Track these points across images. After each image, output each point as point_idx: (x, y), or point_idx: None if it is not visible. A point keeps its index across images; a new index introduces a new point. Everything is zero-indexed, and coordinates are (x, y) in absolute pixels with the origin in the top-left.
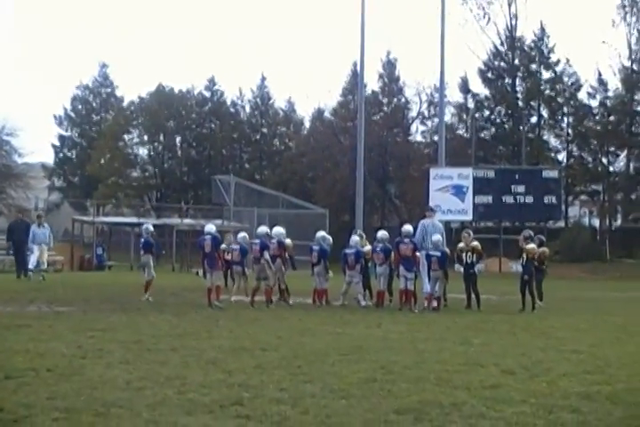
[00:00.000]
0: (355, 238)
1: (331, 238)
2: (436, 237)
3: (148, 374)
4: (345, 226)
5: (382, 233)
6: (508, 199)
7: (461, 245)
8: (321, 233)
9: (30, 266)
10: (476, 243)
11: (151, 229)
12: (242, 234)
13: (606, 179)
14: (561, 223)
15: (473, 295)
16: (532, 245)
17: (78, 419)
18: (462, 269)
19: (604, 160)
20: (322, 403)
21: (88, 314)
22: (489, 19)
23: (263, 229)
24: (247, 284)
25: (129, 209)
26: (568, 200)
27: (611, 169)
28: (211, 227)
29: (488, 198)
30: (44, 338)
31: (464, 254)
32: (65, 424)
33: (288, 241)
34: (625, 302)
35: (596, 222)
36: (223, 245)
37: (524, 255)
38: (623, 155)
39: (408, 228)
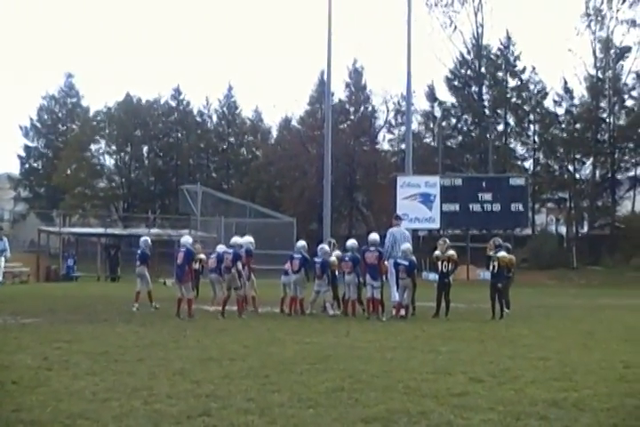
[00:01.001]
0: (323, 247)
1: (303, 243)
2: (406, 245)
3: (114, 385)
4: (313, 235)
5: (352, 242)
6: (476, 207)
7: (437, 253)
8: (302, 242)
9: None
10: (452, 252)
11: (149, 242)
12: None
13: (573, 186)
14: (528, 231)
15: (443, 304)
16: (503, 253)
17: None
18: (437, 278)
19: (571, 167)
20: (289, 413)
21: (54, 325)
22: (455, 27)
23: (236, 239)
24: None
25: (96, 219)
26: (535, 208)
27: (577, 176)
28: (186, 239)
29: (455, 206)
30: (9, 350)
31: (440, 263)
32: None
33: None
34: (591, 309)
35: (563, 230)
36: (202, 255)
37: (495, 263)
38: (589, 162)
39: (374, 236)
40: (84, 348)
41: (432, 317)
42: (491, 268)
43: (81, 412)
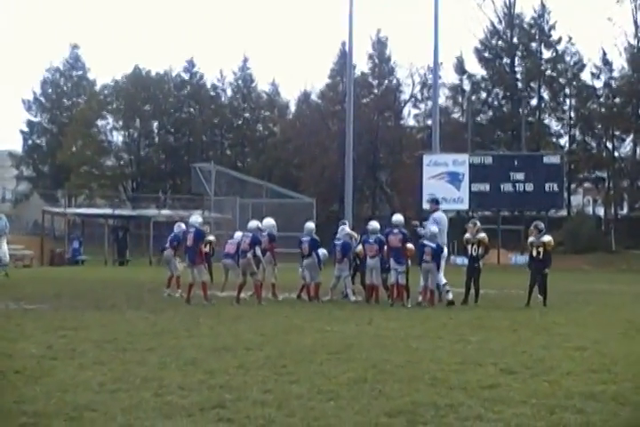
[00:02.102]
0: (344, 228)
1: (312, 225)
2: (434, 228)
3: (123, 375)
4: (333, 216)
5: (374, 223)
6: (507, 187)
7: (467, 236)
8: (310, 224)
9: None
10: (482, 235)
11: (183, 226)
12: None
13: (611, 165)
14: (563, 212)
15: (472, 290)
16: (548, 238)
17: (48, 424)
18: (466, 262)
19: (609, 145)
20: (309, 405)
21: (59, 312)
22: None
23: (254, 223)
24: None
25: (103, 200)
26: (571, 188)
27: (616, 154)
28: (195, 219)
29: (485, 186)
30: (11, 338)
31: (469, 246)
32: None
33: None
34: (632, 296)
35: (601, 211)
36: (211, 237)
37: (541, 249)
38: (629, 139)
39: (398, 217)
40: (90, 336)
41: (461, 303)
42: (535, 253)
43: (87, 403)
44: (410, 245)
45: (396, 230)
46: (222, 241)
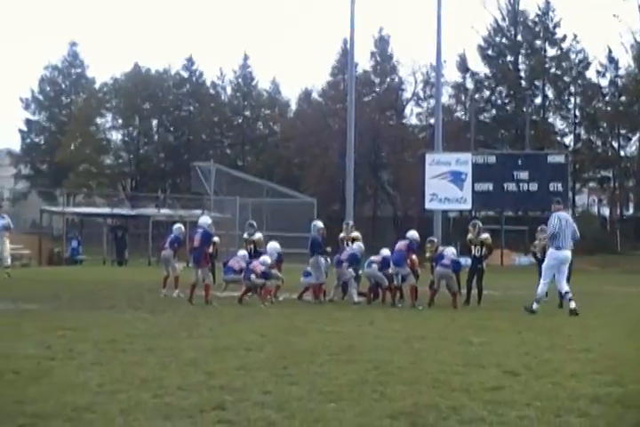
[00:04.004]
0: (361, 246)
1: (319, 224)
2: (450, 249)
3: (122, 376)
4: (335, 215)
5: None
6: (511, 187)
7: (470, 236)
8: (315, 222)
9: None
10: (486, 235)
11: (183, 229)
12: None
13: (617, 164)
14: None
15: (474, 291)
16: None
17: (47, 425)
18: (469, 262)
19: (615, 144)
20: (309, 407)
21: (58, 312)
22: None
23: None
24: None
25: (102, 199)
26: (575, 187)
27: (622, 154)
28: (204, 220)
29: (489, 186)
30: (9, 338)
31: (472, 247)
32: None
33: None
34: (638, 297)
35: (606, 211)
36: (215, 238)
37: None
38: (635, 138)
39: (413, 233)
40: (89, 336)
41: (463, 304)
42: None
43: (87, 404)
44: (414, 257)
45: (406, 241)
46: (224, 241)
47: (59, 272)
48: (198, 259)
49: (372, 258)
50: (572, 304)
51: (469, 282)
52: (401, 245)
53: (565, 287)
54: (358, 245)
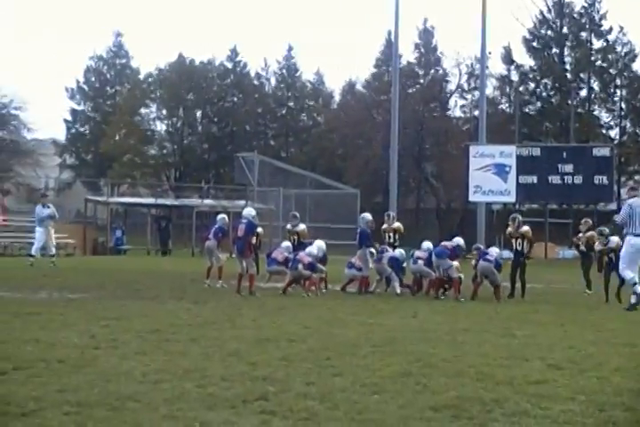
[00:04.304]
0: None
1: (367, 216)
2: (495, 249)
3: (165, 366)
4: (378, 208)
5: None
6: (555, 179)
7: (509, 230)
8: (364, 215)
9: (33, 252)
10: (526, 228)
11: (227, 219)
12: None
13: None
14: (613, 206)
15: (518, 284)
16: (616, 240)
17: (91, 413)
18: (511, 256)
19: None
20: (352, 398)
21: (102, 301)
22: None
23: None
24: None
25: (146, 189)
26: (621, 180)
27: None
28: (249, 211)
29: (533, 178)
30: (54, 327)
31: (514, 240)
32: (77, 419)
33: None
34: None
35: None
36: (259, 229)
37: (612, 255)
38: None
39: (427, 244)
40: (133, 326)
41: (507, 297)
42: (607, 259)
43: (130, 394)
44: (456, 263)
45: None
46: (267, 232)
47: (103, 262)
48: (242, 249)
49: (418, 253)
50: (634, 299)
51: (513, 275)
52: (447, 244)
53: (633, 277)
54: (400, 252)
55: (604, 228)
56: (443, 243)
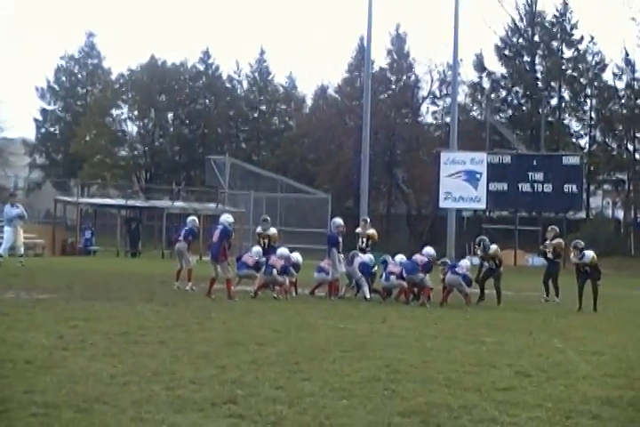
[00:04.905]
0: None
1: (338, 221)
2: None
3: (134, 368)
4: (348, 212)
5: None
6: (525, 187)
7: (480, 254)
8: (334, 219)
9: (1, 252)
10: (494, 248)
11: (197, 222)
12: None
13: (632, 167)
14: (582, 214)
15: (488, 290)
16: (592, 254)
17: (58, 415)
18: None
19: (630, 147)
20: (321, 403)
21: (70, 302)
22: None
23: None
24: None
25: (116, 190)
26: (590, 189)
27: (637, 156)
28: (225, 217)
29: (503, 186)
30: (22, 327)
31: (486, 263)
32: (44, 420)
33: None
34: None
35: (620, 214)
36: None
37: (588, 268)
38: None
39: (428, 249)
40: (101, 327)
41: (476, 302)
42: (582, 271)
43: (98, 395)
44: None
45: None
46: (238, 235)
47: (71, 262)
48: (216, 254)
49: (391, 268)
50: None
51: (482, 281)
52: (418, 258)
53: None
54: (369, 258)
55: (579, 241)
56: (414, 257)
